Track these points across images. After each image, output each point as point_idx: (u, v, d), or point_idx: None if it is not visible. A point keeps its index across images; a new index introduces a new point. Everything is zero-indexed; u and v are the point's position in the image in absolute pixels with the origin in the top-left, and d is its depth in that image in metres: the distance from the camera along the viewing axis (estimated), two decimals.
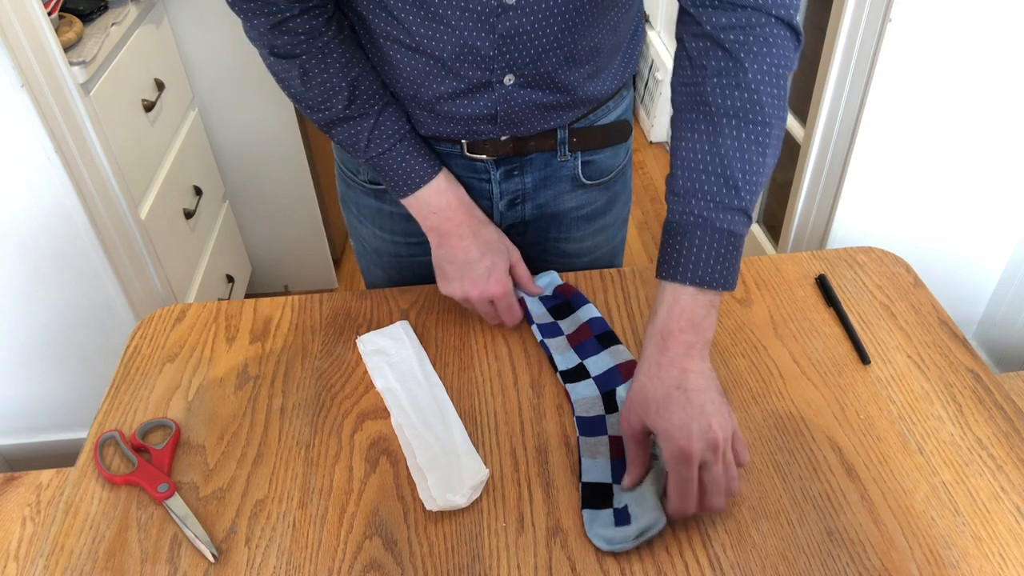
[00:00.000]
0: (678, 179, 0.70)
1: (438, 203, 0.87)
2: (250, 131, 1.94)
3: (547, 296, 0.94)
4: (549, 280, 0.95)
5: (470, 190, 0.93)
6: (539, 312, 0.92)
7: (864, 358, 0.86)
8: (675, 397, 0.66)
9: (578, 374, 0.84)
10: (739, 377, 0.85)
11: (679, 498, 0.66)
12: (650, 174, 2.74)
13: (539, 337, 0.88)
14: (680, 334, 0.68)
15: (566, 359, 0.86)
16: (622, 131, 0.96)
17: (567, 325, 0.90)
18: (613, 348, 0.85)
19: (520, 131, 0.87)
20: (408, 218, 0.96)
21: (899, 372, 0.85)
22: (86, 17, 1.47)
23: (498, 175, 0.91)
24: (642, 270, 0.99)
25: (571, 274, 0.98)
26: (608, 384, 0.82)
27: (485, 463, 0.76)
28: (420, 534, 0.71)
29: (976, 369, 0.85)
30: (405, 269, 1.01)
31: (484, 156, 0.89)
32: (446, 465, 0.75)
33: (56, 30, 1.35)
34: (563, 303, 0.93)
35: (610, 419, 0.78)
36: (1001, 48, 1.30)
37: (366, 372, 0.86)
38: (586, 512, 0.71)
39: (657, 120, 2.86)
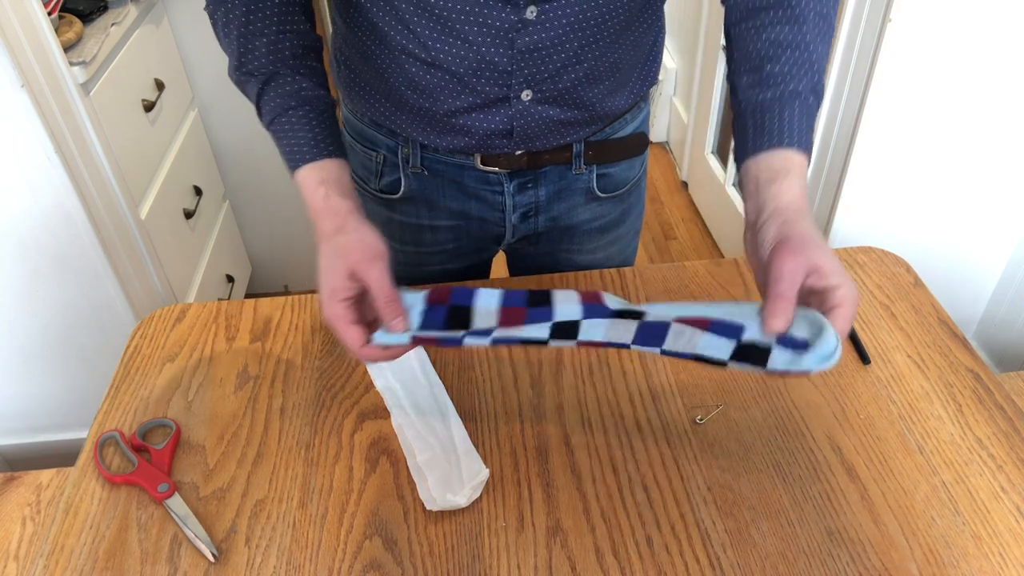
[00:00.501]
0: (766, 66, 0.73)
1: (305, 195, 0.77)
2: (250, 131, 1.94)
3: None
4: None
5: (482, 202, 0.92)
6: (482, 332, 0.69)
7: (864, 358, 0.86)
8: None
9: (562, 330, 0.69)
10: (739, 377, 0.85)
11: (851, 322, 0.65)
12: (650, 174, 2.75)
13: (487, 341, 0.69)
14: (806, 197, 0.70)
15: (534, 329, 0.69)
16: (639, 144, 0.95)
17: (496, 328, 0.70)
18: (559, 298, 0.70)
19: (536, 146, 0.86)
20: (419, 228, 0.96)
21: (899, 372, 0.85)
22: (86, 17, 1.47)
23: (512, 187, 0.91)
24: (642, 270, 0.99)
25: (571, 273, 0.98)
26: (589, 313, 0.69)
27: (485, 463, 0.76)
28: (420, 534, 0.71)
29: (976, 369, 0.85)
30: (415, 279, 1.01)
31: (497, 169, 0.88)
32: (446, 465, 0.75)
33: (56, 30, 1.35)
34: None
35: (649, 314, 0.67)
36: (1001, 48, 1.30)
37: (366, 372, 0.86)
38: (769, 366, 0.64)
39: (657, 120, 2.86)
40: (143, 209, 1.55)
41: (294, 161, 0.77)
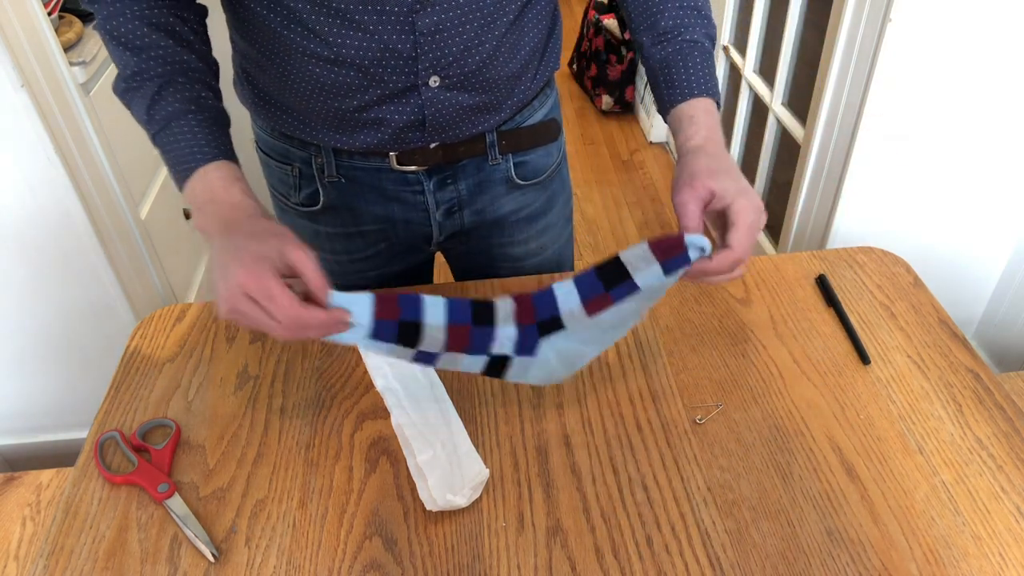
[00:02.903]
0: (659, 23, 0.81)
1: (213, 190, 0.72)
2: (249, 131, 1.93)
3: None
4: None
5: (404, 204, 0.92)
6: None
7: (864, 358, 0.86)
8: (736, 170, 0.74)
9: (499, 365, 0.76)
10: (739, 377, 0.85)
11: (752, 240, 0.71)
12: (650, 174, 2.74)
13: (429, 364, 0.75)
14: (717, 134, 0.77)
15: (472, 362, 0.75)
16: (550, 130, 0.96)
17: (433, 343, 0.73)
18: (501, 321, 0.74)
19: (449, 137, 0.86)
20: (347, 236, 0.96)
21: (899, 372, 0.85)
22: (86, 17, 1.47)
23: (431, 185, 0.91)
24: None
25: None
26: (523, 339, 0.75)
27: (485, 463, 0.76)
28: (420, 534, 0.71)
29: (976, 369, 0.85)
30: (356, 287, 1.00)
31: (415, 167, 0.88)
32: (446, 465, 0.75)
33: (56, 30, 1.35)
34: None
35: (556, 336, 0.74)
36: (1001, 48, 1.30)
37: (366, 372, 0.86)
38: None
39: (657, 120, 2.86)
40: (143, 209, 1.55)
41: (196, 160, 0.72)
